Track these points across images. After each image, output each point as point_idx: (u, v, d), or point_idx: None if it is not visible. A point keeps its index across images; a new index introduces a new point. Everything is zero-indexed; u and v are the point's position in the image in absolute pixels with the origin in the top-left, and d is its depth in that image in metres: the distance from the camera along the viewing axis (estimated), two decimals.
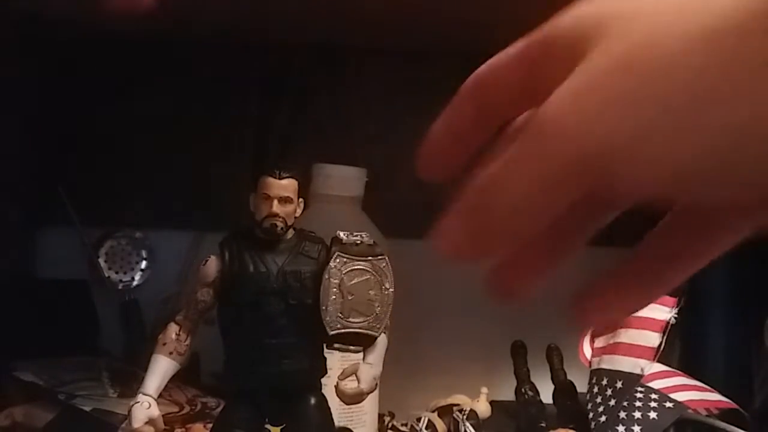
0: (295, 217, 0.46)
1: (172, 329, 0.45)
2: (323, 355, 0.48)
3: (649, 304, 0.25)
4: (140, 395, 0.43)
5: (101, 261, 0.83)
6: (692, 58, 0.17)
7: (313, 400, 0.47)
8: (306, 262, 0.46)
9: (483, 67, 0.27)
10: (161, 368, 0.44)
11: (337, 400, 0.48)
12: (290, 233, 0.46)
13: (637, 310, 0.25)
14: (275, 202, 0.44)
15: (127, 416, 0.43)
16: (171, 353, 0.45)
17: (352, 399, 0.45)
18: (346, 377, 0.45)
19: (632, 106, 0.18)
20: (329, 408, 0.47)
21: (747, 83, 0.16)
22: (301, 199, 0.46)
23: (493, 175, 0.22)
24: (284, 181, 0.45)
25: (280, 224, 0.45)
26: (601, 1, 0.21)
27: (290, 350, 0.45)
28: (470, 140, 0.28)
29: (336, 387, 0.45)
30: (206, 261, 0.46)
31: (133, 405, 0.43)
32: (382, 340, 0.47)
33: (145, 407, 0.43)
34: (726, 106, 0.17)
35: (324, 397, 0.47)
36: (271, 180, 0.45)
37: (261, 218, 0.45)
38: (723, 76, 0.17)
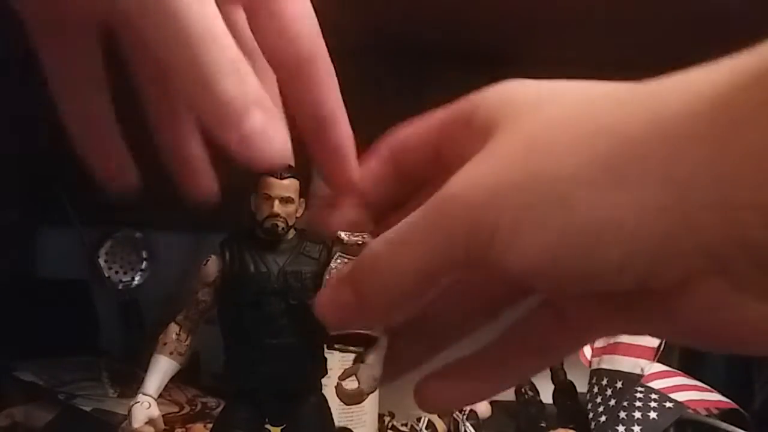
0: (297, 217, 0.46)
1: (173, 329, 0.45)
2: (323, 356, 0.48)
3: (496, 393, 0.27)
4: (140, 395, 0.43)
5: (101, 261, 0.83)
6: (581, 150, 0.19)
7: (313, 401, 0.46)
8: (307, 262, 0.46)
9: (405, 127, 0.29)
10: (161, 368, 0.45)
11: (338, 400, 0.48)
12: (291, 233, 0.46)
13: (482, 399, 0.28)
14: (276, 202, 0.44)
15: (128, 416, 0.43)
16: (171, 353, 0.45)
17: (352, 399, 0.45)
18: (347, 378, 0.45)
19: (524, 184, 0.20)
20: (329, 408, 0.47)
21: (621, 182, 0.18)
22: (302, 200, 0.46)
23: (384, 239, 0.23)
24: (285, 181, 0.44)
25: (281, 224, 0.45)
26: (515, 86, 0.23)
27: (290, 350, 0.45)
28: (383, 193, 0.30)
29: (336, 387, 0.45)
30: (207, 261, 0.46)
31: (133, 405, 0.43)
32: (382, 341, 0.47)
33: (145, 407, 0.43)
34: (600, 198, 0.19)
35: (324, 397, 0.47)
36: (272, 180, 0.44)
37: (262, 218, 0.44)
38: (604, 172, 0.19)
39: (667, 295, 0.19)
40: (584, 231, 0.19)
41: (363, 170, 0.30)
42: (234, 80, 0.27)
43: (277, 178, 0.44)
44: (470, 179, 0.21)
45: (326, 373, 0.48)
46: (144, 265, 0.85)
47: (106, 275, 0.83)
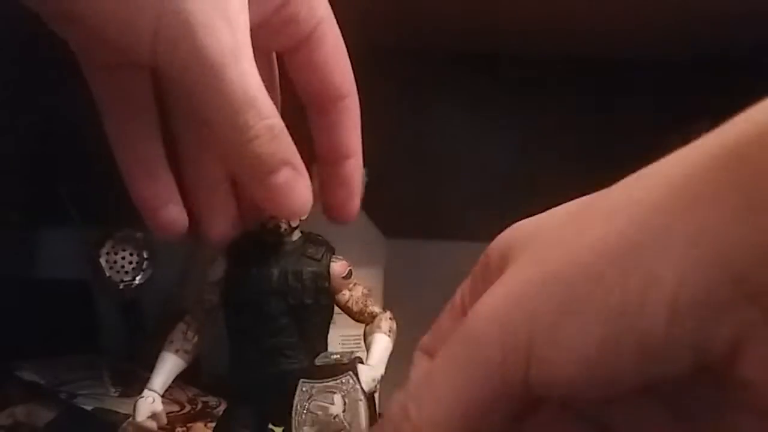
0: (301, 220, 0.46)
1: (180, 328, 0.46)
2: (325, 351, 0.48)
3: None
4: (146, 390, 0.44)
5: (101, 261, 0.83)
6: (590, 265, 0.19)
7: None
8: (308, 263, 0.46)
9: (439, 322, 0.30)
10: (167, 365, 0.45)
11: None
12: (296, 235, 0.46)
13: None
14: None
15: (133, 411, 0.44)
16: (177, 351, 0.45)
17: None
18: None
19: (549, 286, 0.19)
20: None
21: (649, 247, 0.18)
22: None
23: (416, 383, 0.22)
24: None
25: (283, 225, 0.45)
26: (518, 225, 0.24)
27: (290, 350, 0.45)
28: None
29: None
30: (214, 261, 0.46)
31: (138, 400, 0.43)
32: (385, 344, 0.47)
33: (149, 402, 0.43)
34: (634, 266, 0.18)
35: None
36: None
37: (265, 219, 0.45)
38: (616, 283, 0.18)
39: (723, 366, 0.18)
40: (625, 305, 0.18)
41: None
42: (267, 139, 0.28)
43: None
44: (491, 301, 0.20)
45: None
46: (144, 265, 0.85)
47: (107, 275, 0.83)
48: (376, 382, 0.46)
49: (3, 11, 0.70)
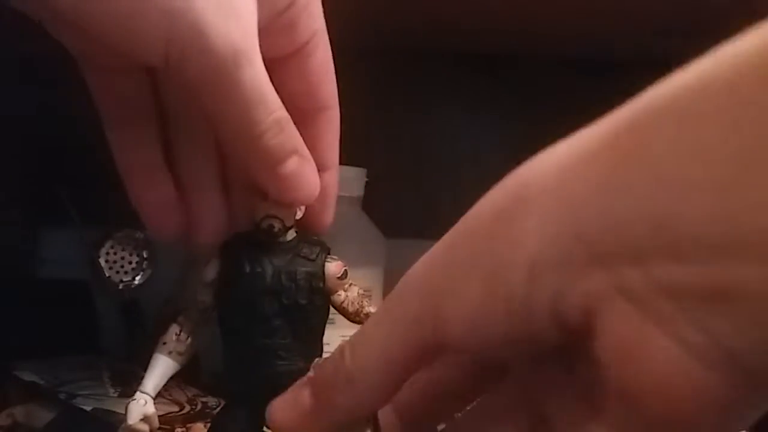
0: (296, 220, 0.45)
1: (173, 329, 0.45)
2: (321, 357, 0.48)
3: None
4: (138, 393, 0.43)
5: (101, 261, 0.83)
6: (471, 232, 0.22)
7: None
8: (302, 263, 0.45)
9: None
10: (160, 367, 0.44)
11: None
12: (290, 235, 0.46)
13: None
14: (272, 201, 0.43)
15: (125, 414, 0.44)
16: (170, 353, 0.45)
17: None
18: None
19: (447, 267, 0.21)
20: None
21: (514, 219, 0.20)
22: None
23: (356, 333, 0.24)
24: None
25: (277, 224, 0.44)
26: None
27: (285, 351, 0.45)
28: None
29: None
30: (208, 262, 0.46)
31: (129, 402, 0.43)
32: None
33: (141, 404, 0.43)
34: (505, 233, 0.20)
35: None
36: None
37: (259, 219, 0.44)
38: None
39: (581, 341, 0.19)
40: (495, 266, 0.20)
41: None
42: (275, 132, 0.30)
43: None
44: (419, 264, 0.23)
45: None
46: (144, 265, 0.85)
47: (107, 275, 0.83)
48: None
49: (3, 11, 0.70)
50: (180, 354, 0.45)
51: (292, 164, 0.33)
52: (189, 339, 0.45)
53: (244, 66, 0.28)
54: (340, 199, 0.68)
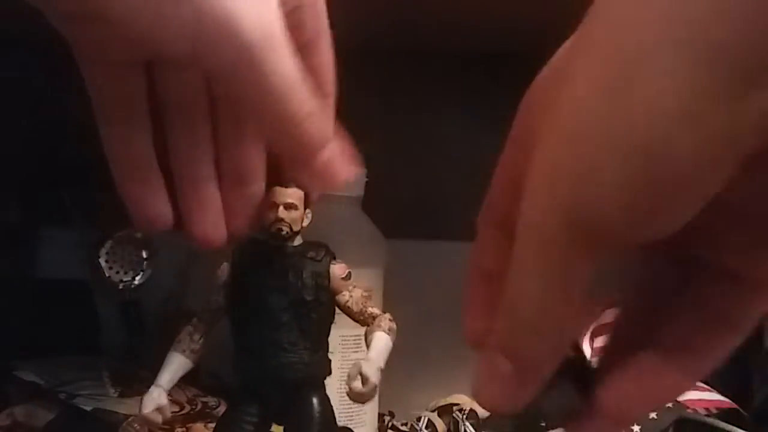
0: (303, 226, 0.48)
1: (187, 330, 0.48)
2: (326, 356, 0.49)
3: (690, 386, 0.23)
4: (153, 386, 0.46)
5: (101, 261, 0.83)
6: (585, 101, 0.18)
7: (316, 400, 0.47)
8: (309, 263, 0.48)
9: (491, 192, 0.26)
10: (174, 364, 0.47)
11: (337, 399, 0.48)
12: (298, 240, 0.48)
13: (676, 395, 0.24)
14: (281, 207, 0.46)
15: (140, 405, 0.46)
16: (184, 351, 0.47)
17: (368, 396, 0.46)
18: (353, 379, 0.45)
19: (576, 164, 0.18)
20: (332, 408, 0.48)
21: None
22: (308, 210, 0.48)
23: (506, 298, 0.21)
24: (289, 190, 0.46)
25: (285, 228, 0.46)
26: (537, 91, 0.23)
27: (290, 344, 0.47)
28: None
29: (348, 393, 0.46)
30: (221, 266, 0.48)
31: (144, 395, 0.46)
32: (386, 341, 0.47)
33: (155, 395, 0.46)
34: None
35: (327, 396, 0.48)
36: (277, 188, 0.46)
37: (268, 224, 0.46)
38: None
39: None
40: (641, 143, 0.17)
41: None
42: (312, 121, 0.30)
43: (282, 186, 0.46)
44: (540, 198, 0.19)
45: (330, 372, 0.49)
46: (144, 265, 0.85)
47: (107, 275, 0.83)
48: (379, 371, 0.46)
49: (4, 11, 0.70)
50: (194, 352, 0.47)
51: (328, 151, 0.33)
52: (202, 339, 0.48)
53: (277, 54, 0.28)
54: (339, 199, 0.69)
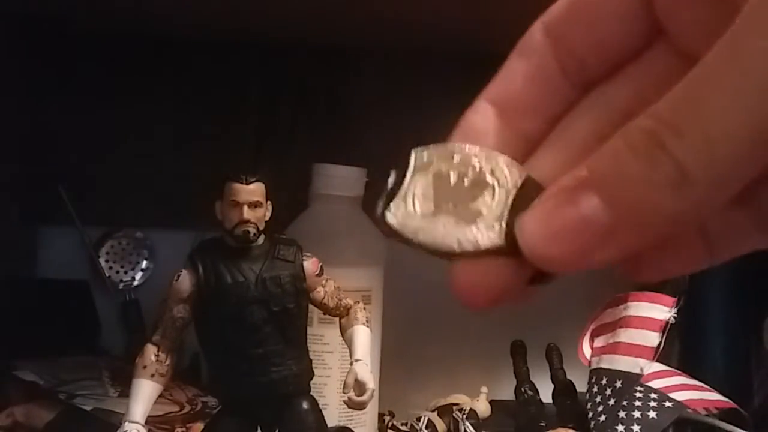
0: (266, 222, 0.45)
1: (151, 351, 0.44)
2: (308, 356, 0.47)
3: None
4: (127, 423, 0.42)
5: (102, 261, 0.83)
6: None
7: (304, 405, 0.46)
8: (283, 266, 0.45)
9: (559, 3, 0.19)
10: (145, 392, 0.43)
11: (338, 399, 0.48)
12: (262, 238, 0.45)
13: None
14: (245, 207, 0.43)
15: None
16: (153, 375, 0.43)
17: (366, 403, 0.45)
18: (350, 388, 0.45)
19: None
20: (320, 411, 0.47)
21: None
22: (269, 203, 0.45)
23: (671, 104, 0.15)
24: (252, 186, 0.43)
25: (252, 230, 0.43)
26: None
27: (278, 357, 0.45)
28: (541, 119, 0.19)
29: (347, 402, 0.45)
30: (178, 276, 0.44)
31: None
32: (368, 334, 0.47)
33: None
34: None
35: (315, 399, 0.47)
36: (238, 186, 0.43)
37: (232, 226, 0.43)
38: None
39: None
40: None
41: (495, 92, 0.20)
42: None
43: (243, 183, 0.43)
44: None
45: (314, 375, 0.48)
46: (144, 264, 0.85)
47: (107, 275, 0.83)
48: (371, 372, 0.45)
49: (5, 12, 0.70)
50: (162, 375, 0.43)
51: None
52: (169, 359, 0.44)
53: None
54: (340, 199, 0.69)
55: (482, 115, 0.20)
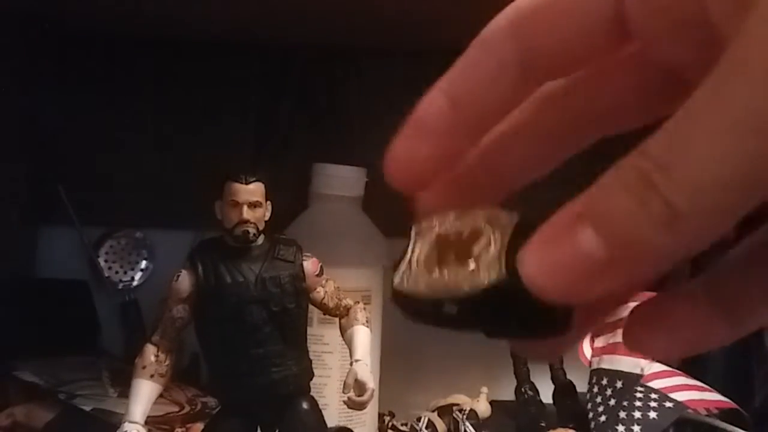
0: (266, 222, 0.45)
1: (150, 351, 0.44)
2: (309, 358, 0.47)
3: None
4: (127, 423, 0.42)
5: (101, 261, 0.83)
6: None
7: (304, 405, 0.46)
8: (283, 266, 0.45)
9: None
10: (145, 393, 0.43)
11: (338, 399, 0.48)
12: (261, 238, 0.45)
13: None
14: (245, 207, 0.43)
15: None
16: (152, 376, 0.43)
17: (366, 403, 0.45)
18: (350, 388, 0.45)
19: None
20: (320, 411, 0.47)
21: None
22: (269, 203, 0.45)
23: (661, 143, 0.15)
24: (251, 186, 0.43)
25: (252, 230, 0.43)
26: None
27: (278, 357, 0.45)
28: (494, 113, 0.19)
29: (347, 403, 0.45)
30: (178, 276, 0.44)
31: None
32: (368, 335, 0.47)
33: None
34: None
35: (315, 400, 0.47)
36: (237, 186, 0.43)
37: (232, 226, 0.43)
38: None
39: None
40: None
41: (455, 77, 0.20)
42: None
43: (242, 183, 0.43)
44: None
45: (313, 375, 0.48)
46: (144, 264, 0.85)
47: (106, 275, 0.83)
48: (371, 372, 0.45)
49: (6, 12, 0.70)
50: (162, 375, 0.44)
51: None
52: (168, 360, 0.44)
53: None
54: (339, 199, 0.69)
55: (432, 105, 0.20)
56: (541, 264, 0.16)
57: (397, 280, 0.19)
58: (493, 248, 0.18)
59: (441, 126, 0.20)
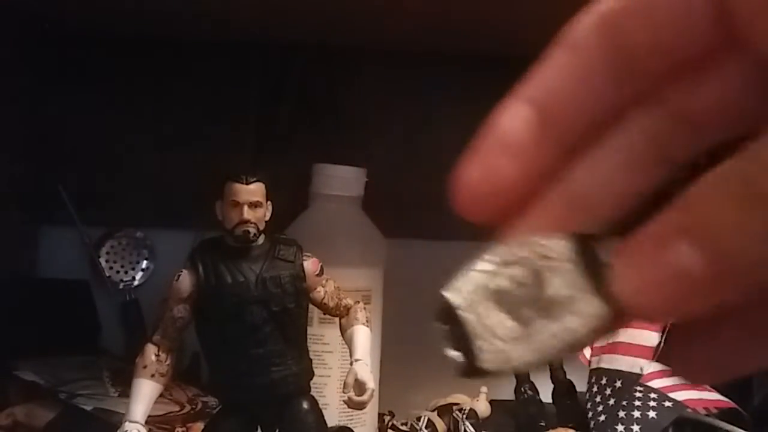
0: (266, 222, 0.45)
1: (151, 350, 0.44)
2: (309, 358, 0.48)
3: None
4: (127, 423, 0.42)
5: (102, 261, 0.83)
6: None
7: (304, 404, 0.46)
8: (283, 266, 0.45)
9: None
10: (145, 392, 0.43)
11: (338, 399, 0.48)
12: (262, 238, 0.45)
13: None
14: (245, 207, 0.43)
15: None
16: (153, 375, 0.43)
17: (366, 403, 0.45)
18: (350, 388, 0.45)
19: None
20: (320, 410, 0.47)
21: None
22: (269, 203, 0.45)
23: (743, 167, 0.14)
24: (252, 186, 0.43)
25: (252, 230, 0.43)
26: None
27: (278, 357, 0.45)
28: (584, 124, 0.17)
29: (347, 402, 0.45)
30: (179, 276, 0.44)
31: None
32: (368, 334, 0.47)
33: None
34: None
35: (315, 399, 0.47)
36: (238, 186, 0.43)
37: (232, 226, 0.43)
38: None
39: None
40: None
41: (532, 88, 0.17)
42: None
43: (243, 183, 0.43)
44: None
45: (314, 375, 0.48)
46: (144, 264, 0.85)
47: (107, 275, 0.83)
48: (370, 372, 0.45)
49: (6, 12, 0.70)
50: (163, 375, 0.44)
51: None
52: (169, 359, 0.44)
53: None
54: (340, 199, 0.69)
55: (516, 117, 0.17)
56: (640, 282, 0.15)
57: (479, 365, 0.17)
58: (572, 285, 0.16)
59: (530, 140, 0.17)
